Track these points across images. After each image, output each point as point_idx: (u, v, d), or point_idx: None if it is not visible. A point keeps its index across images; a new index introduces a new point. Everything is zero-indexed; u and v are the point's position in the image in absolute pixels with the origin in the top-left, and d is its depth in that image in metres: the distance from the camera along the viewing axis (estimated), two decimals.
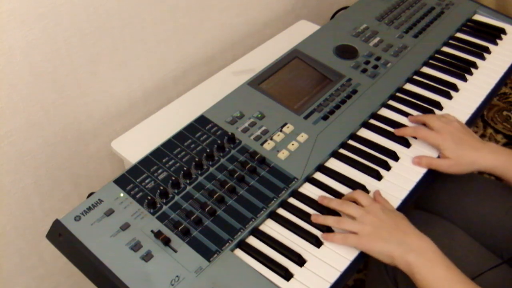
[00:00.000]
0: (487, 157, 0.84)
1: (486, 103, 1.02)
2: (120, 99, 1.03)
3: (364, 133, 0.93)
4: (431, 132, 0.88)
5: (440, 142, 0.86)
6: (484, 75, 1.07)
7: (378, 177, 0.85)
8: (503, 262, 0.87)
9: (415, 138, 0.91)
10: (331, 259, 0.73)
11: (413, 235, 0.72)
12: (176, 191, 0.79)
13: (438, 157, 0.88)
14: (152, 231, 0.73)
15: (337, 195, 0.82)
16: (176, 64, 1.12)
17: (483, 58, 1.12)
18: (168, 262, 0.70)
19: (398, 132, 0.92)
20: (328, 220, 0.76)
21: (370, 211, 0.75)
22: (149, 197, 0.77)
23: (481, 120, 1.89)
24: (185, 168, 0.81)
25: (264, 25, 1.32)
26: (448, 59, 1.11)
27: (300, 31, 1.18)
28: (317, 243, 0.75)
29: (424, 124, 0.92)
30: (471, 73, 1.07)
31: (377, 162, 0.87)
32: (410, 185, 0.84)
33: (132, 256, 0.70)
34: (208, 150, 0.84)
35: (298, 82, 1.00)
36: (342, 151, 0.90)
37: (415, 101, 1.00)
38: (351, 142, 0.91)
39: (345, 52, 1.07)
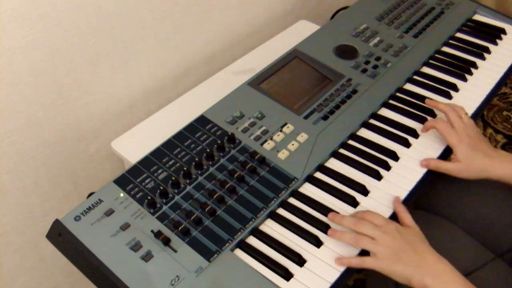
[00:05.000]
0: (499, 165, 0.83)
1: (486, 103, 1.02)
2: (120, 99, 1.03)
3: (364, 133, 0.93)
4: (452, 129, 0.86)
5: (456, 143, 0.85)
6: (484, 75, 1.07)
7: (378, 177, 0.85)
8: (497, 257, 0.87)
9: (426, 128, 0.91)
10: (331, 259, 0.73)
11: (430, 257, 0.71)
12: (176, 191, 0.79)
13: (441, 157, 0.88)
14: (152, 231, 0.73)
15: (338, 194, 0.82)
16: (176, 64, 1.12)
17: (483, 58, 1.12)
18: (168, 262, 0.70)
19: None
20: (346, 238, 0.74)
21: (387, 232, 0.72)
22: (149, 197, 0.77)
23: (481, 120, 1.88)
24: (185, 168, 0.81)
25: (264, 25, 1.32)
26: (448, 59, 1.11)
27: (300, 31, 1.19)
28: (317, 243, 0.75)
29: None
30: (471, 73, 1.07)
31: (377, 162, 0.87)
32: (410, 185, 0.84)
33: (132, 256, 0.70)
34: (208, 150, 0.84)
35: (298, 82, 1.00)
36: (342, 151, 0.90)
37: (415, 101, 1.00)
38: (351, 142, 0.91)
39: (345, 52, 1.07)
